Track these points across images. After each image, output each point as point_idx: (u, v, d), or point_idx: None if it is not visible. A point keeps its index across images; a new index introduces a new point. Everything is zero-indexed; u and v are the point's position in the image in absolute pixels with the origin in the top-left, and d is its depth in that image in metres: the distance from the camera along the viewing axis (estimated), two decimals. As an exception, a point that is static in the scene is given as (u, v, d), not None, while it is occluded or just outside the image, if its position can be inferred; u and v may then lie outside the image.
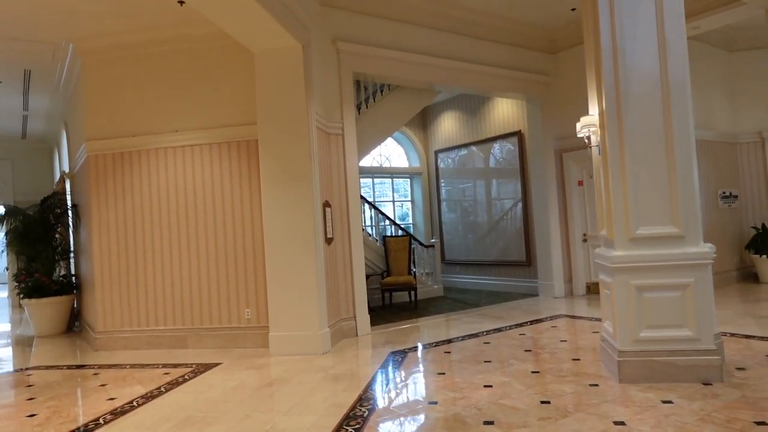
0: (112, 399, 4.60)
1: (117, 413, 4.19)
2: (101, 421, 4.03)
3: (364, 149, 9.00)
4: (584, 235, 9.00)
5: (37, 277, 8.42)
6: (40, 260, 8.52)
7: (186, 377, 5.18)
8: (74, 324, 8.82)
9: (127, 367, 5.80)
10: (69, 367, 6.05)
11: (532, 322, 6.97)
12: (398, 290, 9.08)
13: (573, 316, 7.27)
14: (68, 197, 9.23)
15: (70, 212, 8.56)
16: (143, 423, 3.94)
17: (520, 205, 10.01)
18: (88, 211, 7.14)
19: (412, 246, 9.60)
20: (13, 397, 4.93)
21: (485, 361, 5.09)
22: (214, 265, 6.53)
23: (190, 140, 6.62)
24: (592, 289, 8.85)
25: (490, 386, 4.28)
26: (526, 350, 5.48)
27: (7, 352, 7.60)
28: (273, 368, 5.39)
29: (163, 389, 4.80)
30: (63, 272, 9.31)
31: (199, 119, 6.62)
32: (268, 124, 6.04)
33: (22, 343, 8.10)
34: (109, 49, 6.79)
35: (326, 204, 6.38)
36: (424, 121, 12.24)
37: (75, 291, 8.70)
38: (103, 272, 6.88)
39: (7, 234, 8.79)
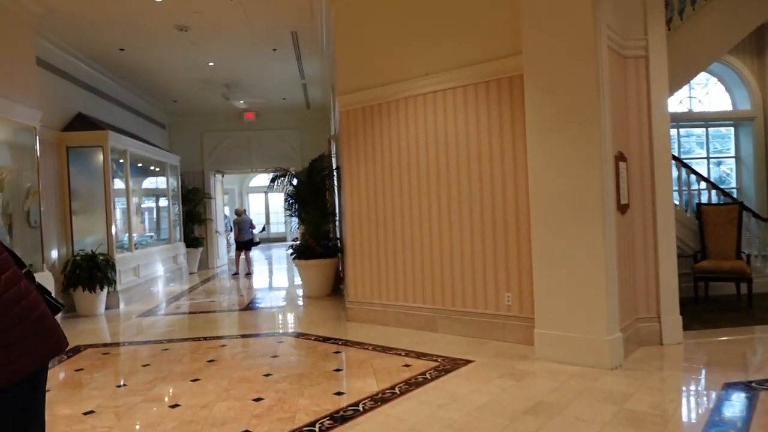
0: (339, 394, 3.83)
1: (337, 419, 3.34)
2: (316, 429, 3.22)
3: (672, 84, 6.56)
4: None
5: (306, 238, 8.63)
6: (308, 222, 8.69)
7: (427, 376, 4.12)
8: (339, 287, 8.84)
9: (369, 348, 5.08)
10: (317, 338, 5.65)
11: None
12: (720, 280, 6.49)
13: None
14: (333, 160, 9.25)
15: (334, 174, 8.48)
16: (360, 445, 2.99)
17: None
18: (342, 173, 6.70)
19: (743, 219, 6.79)
20: (255, 368, 4.60)
21: None
22: (468, 235, 5.32)
23: (442, 84, 5.44)
24: None
25: None
26: None
27: (279, 313, 7.87)
28: (538, 382, 3.93)
29: (397, 390, 3.82)
30: (331, 235, 9.46)
31: (451, 57, 5.38)
32: (536, 49, 4.43)
33: (294, 304, 8.41)
34: (357, -11, 6.07)
35: (619, 157, 4.50)
36: (759, 43, 8.72)
37: (339, 254, 8.67)
38: (354, 237, 6.36)
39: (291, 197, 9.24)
